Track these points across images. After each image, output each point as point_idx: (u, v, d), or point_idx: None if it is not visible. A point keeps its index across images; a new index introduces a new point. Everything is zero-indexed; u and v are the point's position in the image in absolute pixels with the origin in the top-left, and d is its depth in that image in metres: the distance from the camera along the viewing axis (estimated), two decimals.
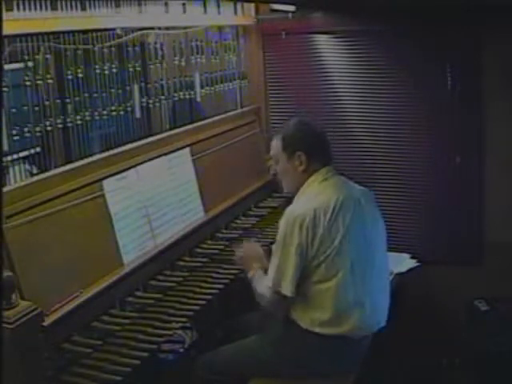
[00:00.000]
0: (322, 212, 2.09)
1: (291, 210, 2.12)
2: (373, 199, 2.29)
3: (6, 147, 1.89)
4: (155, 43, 2.55)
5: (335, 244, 2.08)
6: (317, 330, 2.11)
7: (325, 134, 2.29)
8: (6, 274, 1.60)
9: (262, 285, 2.18)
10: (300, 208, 2.12)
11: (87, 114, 2.21)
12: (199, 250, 2.48)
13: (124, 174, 2.25)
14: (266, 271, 2.20)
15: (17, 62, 1.93)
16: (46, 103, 2.04)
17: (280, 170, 2.27)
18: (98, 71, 2.25)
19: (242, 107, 3.19)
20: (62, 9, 2.00)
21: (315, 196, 2.14)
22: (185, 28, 2.70)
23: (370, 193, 2.31)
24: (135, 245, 2.22)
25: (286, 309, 2.17)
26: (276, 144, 2.26)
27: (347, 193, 2.17)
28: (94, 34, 2.20)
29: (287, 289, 2.08)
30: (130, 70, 2.41)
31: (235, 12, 3.04)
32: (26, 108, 1.98)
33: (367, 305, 2.13)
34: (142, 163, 2.34)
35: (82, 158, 2.16)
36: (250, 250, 2.35)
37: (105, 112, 2.30)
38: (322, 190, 2.16)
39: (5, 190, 1.81)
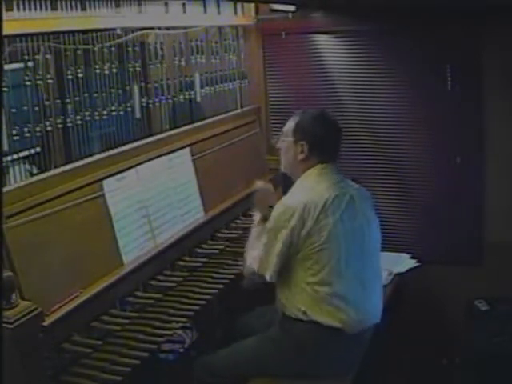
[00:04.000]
0: (313, 207, 2.13)
1: (284, 200, 2.18)
2: (368, 198, 2.31)
3: (6, 147, 1.89)
4: (155, 43, 2.55)
5: (322, 240, 2.12)
6: (304, 318, 2.14)
7: (338, 134, 2.31)
8: (6, 274, 1.60)
9: (251, 256, 2.25)
10: (292, 200, 2.17)
11: (87, 114, 2.21)
12: (199, 250, 2.48)
13: (124, 173, 2.25)
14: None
15: (17, 61, 1.93)
16: (46, 103, 2.04)
17: (283, 147, 2.31)
18: (97, 71, 2.25)
19: (241, 107, 3.19)
20: (62, 9, 2.01)
21: (308, 190, 2.19)
22: (185, 28, 2.71)
23: (367, 192, 2.32)
24: (135, 245, 2.22)
25: (262, 285, 2.24)
26: (291, 123, 2.30)
27: (340, 190, 2.20)
28: (94, 34, 2.20)
29: (269, 274, 2.17)
30: (130, 69, 2.41)
31: (235, 12, 3.04)
32: (26, 108, 1.98)
33: (356, 301, 2.15)
34: (142, 163, 2.34)
35: (82, 158, 2.16)
36: (263, 190, 2.45)
37: (105, 112, 2.30)
38: (315, 185, 2.20)
39: (5, 190, 1.80)
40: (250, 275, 2.26)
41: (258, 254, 2.21)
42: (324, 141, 2.25)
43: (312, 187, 2.20)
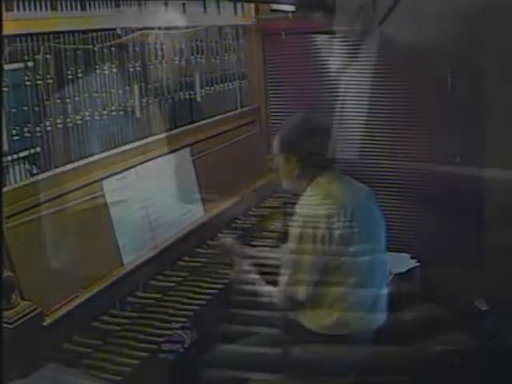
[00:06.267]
0: (336, 217, 2.05)
1: (305, 214, 2.09)
2: (373, 197, 2.29)
3: (5, 147, 1.89)
4: (155, 43, 2.55)
5: (350, 250, 2.06)
6: (320, 331, 2.12)
7: (327, 136, 2.20)
8: (6, 274, 1.60)
9: (270, 287, 2.17)
10: (313, 212, 2.08)
11: (87, 114, 2.21)
12: (199, 250, 2.48)
13: (124, 173, 2.25)
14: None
15: (17, 62, 1.93)
16: (46, 103, 2.04)
17: (279, 166, 2.25)
18: (98, 71, 2.25)
19: (242, 107, 3.19)
20: (61, 9, 2.01)
21: (325, 199, 2.10)
22: (185, 28, 2.71)
23: (370, 191, 2.30)
24: (135, 245, 2.22)
25: (296, 309, 2.16)
26: (276, 139, 2.23)
27: (357, 196, 2.16)
28: (94, 34, 2.20)
29: (301, 294, 2.08)
30: (130, 70, 2.41)
31: (235, 12, 3.04)
32: (25, 108, 1.98)
33: (370, 306, 2.15)
34: (142, 163, 2.34)
35: (82, 158, 2.16)
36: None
37: (105, 112, 2.30)
38: (330, 193, 2.12)
39: (5, 189, 1.81)
40: (278, 302, 2.15)
41: (285, 279, 2.10)
42: (315, 150, 2.16)
43: (328, 194, 2.11)
